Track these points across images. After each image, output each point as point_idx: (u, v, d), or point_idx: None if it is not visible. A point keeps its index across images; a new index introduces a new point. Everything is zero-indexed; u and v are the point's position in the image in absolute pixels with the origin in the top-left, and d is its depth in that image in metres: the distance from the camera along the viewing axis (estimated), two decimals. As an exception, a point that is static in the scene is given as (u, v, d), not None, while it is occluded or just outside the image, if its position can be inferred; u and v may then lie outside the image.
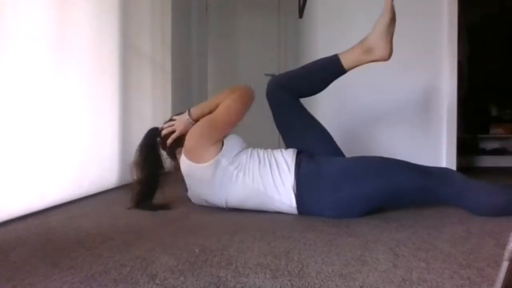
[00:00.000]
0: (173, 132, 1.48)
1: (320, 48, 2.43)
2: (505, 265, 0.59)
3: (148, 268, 0.81)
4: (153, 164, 1.49)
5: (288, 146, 1.53)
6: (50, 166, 1.52)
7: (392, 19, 1.44)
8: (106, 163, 2.03)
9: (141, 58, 2.53)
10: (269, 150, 1.48)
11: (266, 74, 4.50)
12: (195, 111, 1.48)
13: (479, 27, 3.49)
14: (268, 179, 1.34)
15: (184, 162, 1.39)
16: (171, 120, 1.54)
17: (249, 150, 1.44)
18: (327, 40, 2.40)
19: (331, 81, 1.52)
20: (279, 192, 1.33)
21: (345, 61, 1.46)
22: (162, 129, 1.52)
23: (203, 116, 1.44)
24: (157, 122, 2.70)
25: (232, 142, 1.42)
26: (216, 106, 1.42)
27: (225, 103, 1.40)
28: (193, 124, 1.44)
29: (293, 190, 1.32)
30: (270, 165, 1.37)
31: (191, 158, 1.36)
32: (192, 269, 0.80)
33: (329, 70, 1.50)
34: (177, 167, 1.49)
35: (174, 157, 1.52)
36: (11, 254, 0.93)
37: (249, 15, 4.57)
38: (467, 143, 3.51)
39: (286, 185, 1.33)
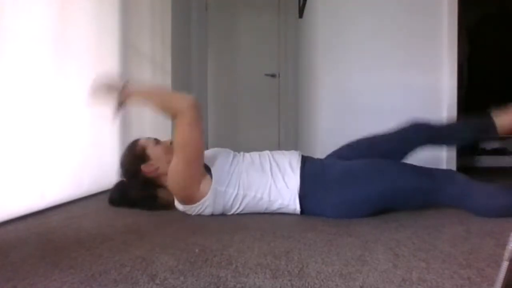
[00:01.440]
0: (156, 169, 1.37)
1: (320, 48, 2.43)
2: (505, 265, 0.59)
3: (148, 268, 0.81)
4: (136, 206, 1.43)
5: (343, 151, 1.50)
6: (50, 166, 1.52)
7: None
8: (106, 163, 2.03)
9: (141, 58, 2.53)
10: (267, 153, 1.44)
11: (266, 74, 4.51)
12: (137, 94, 1.28)
13: (479, 27, 3.48)
14: (271, 186, 1.32)
15: (180, 207, 1.37)
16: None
17: (241, 159, 1.40)
18: (327, 40, 2.40)
19: (477, 140, 1.46)
20: (282, 196, 1.32)
21: (500, 123, 1.39)
22: (143, 171, 1.37)
23: (143, 96, 1.28)
24: (157, 121, 2.71)
25: (218, 163, 1.34)
26: (160, 104, 1.28)
27: (179, 138, 1.25)
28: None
29: (297, 191, 1.32)
30: (271, 171, 1.35)
31: (185, 203, 1.34)
32: (192, 269, 0.80)
33: (481, 129, 1.44)
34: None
35: (162, 186, 1.41)
36: (11, 254, 0.93)
37: (249, 15, 4.57)
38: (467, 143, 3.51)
39: (290, 187, 1.32)
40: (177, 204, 1.38)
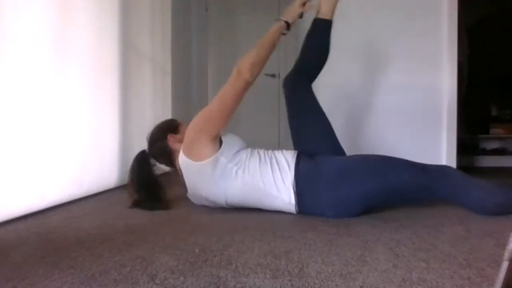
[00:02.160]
0: (177, 140, 1.50)
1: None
2: (505, 265, 0.59)
3: (148, 268, 0.81)
4: (149, 185, 1.52)
5: (295, 141, 1.59)
6: (50, 166, 1.52)
7: None
8: (106, 163, 2.03)
9: (141, 58, 2.53)
10: (269, 150, 1.48)
11: (266, 74, 4.50)
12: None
13: (479, 27, 3.49)
14: (268, 176, 1.34)
15: (182, 158, 1.39)
16: None
17: (249, 149, 1.45)
18: (327, 40, 2.39)
19: (328, 39, 1.62)
20: (278, 189, 1.33)
21: (323, 14, 1.62)
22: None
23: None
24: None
25: (231, 141, 1.43)
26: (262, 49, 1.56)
27: (221, 92, 1.39)
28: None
29: (293, 188, 1.32)
30: (270, 163, 1.37)
31: (189, 155, 1.36)
32: (192, 269, 0.80)
33: (318, 30, 1.63)
34: (177, 171, 1.50)
35: (172, 165, 1.54)
36: (11, 254, 0.93)
37: (249, 15, 4.57)
38: (467, 143, 3.51)
39: (286, 182, 1.33)
40: (181, 156, 1.39)
